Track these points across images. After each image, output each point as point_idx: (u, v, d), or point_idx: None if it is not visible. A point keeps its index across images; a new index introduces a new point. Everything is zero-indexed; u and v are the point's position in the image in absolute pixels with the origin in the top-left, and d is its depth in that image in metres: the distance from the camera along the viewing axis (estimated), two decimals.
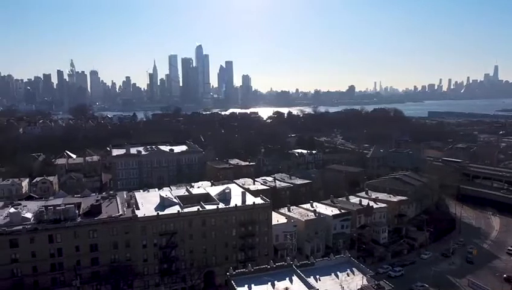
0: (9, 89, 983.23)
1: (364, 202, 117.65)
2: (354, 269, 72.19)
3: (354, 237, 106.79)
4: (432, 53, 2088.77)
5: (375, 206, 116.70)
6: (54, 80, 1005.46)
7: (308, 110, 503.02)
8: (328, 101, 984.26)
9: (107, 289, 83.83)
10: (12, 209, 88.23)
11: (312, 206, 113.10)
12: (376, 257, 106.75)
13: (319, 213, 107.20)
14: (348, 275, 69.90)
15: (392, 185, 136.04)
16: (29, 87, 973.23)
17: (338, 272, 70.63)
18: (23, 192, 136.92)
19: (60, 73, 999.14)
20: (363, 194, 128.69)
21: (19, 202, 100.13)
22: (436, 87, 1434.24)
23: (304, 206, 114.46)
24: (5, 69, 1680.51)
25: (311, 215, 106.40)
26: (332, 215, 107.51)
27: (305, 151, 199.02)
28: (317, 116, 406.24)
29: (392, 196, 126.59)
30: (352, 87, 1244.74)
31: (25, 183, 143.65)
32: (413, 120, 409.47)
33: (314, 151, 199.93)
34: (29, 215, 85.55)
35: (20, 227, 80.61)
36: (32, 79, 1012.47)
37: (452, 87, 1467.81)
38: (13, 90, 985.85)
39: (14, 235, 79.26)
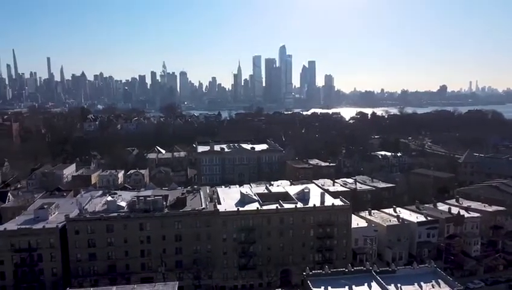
0: (110, 89, 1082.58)
1: (455, 210, 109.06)
2: (440, 281, 67.44)
3: (441, 247, 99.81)
4: None
5: (466, 215, 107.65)
6: (148, 80, 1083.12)
7: (393, 111, 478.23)
8: (416, 101, 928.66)
9: (189, 278, 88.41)
10: (109, 198, 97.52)
11: (395, 211, 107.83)
12: (466, 271, 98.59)
13: (403, 219, 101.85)
14: (433, 287, 65.59)
15: (487, 193, 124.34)
16: (126, 88, 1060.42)
17: (422, 283, 66.56)
18: (119, 183, 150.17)
19: (153, 74, 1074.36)
20: (453, 201, 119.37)
21: (115, 191, 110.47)
22: None
23: (386, 210, 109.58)
24: (107, 71, 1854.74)
25: (394, 221, 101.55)
26: (417, 222, 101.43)
27: (389, 154, 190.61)
28: (404, 117, 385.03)
29: (486, 205, 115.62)
30: (443, 87, 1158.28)
31: (120, 174, 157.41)
32: None
33: (399, 154, 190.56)
34: (123, 204, 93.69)
35: (116, 214, 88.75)
36: (130, 80, 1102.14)
37: None
38: (113, 90, 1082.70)
39: (110, 221, 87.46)
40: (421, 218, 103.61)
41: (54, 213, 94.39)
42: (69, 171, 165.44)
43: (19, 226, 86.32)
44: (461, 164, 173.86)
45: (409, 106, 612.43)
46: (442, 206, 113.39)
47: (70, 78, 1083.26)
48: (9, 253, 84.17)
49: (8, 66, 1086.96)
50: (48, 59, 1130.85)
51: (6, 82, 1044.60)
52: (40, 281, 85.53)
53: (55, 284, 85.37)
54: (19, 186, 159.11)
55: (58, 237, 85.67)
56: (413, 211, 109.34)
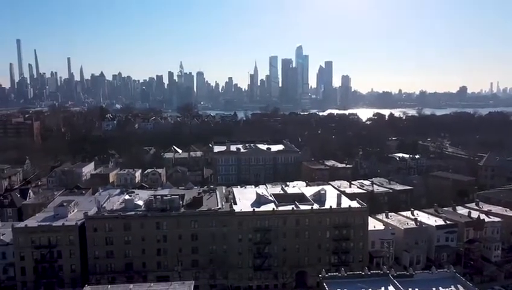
0: (128, 88, 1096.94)
1: (474, 214, 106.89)
2: (459, 286, 65.95)
3: (460, 252, 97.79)
4: None
5: (487, 219, 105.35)
6: (165, 80, 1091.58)
7: (411, 112, 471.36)
8: (434, 102, 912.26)
9: (205, 277, 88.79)
10: (127, 196, 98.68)
11: (413, 215, 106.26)
12: (486, 276, 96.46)
13: (421, 222, 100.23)
14: None
15: (508, 197, 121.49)
16: (144, 87, 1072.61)
17: (440, 288, 65.06)
18: (136, 181, 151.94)
19: (170, 74, 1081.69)
20: (472, 205, 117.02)
21: (132, 190, 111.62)
22: None
23: (404, 213, 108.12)
24: (126, 71, 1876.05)
25: (412, 224, 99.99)
26: (436, 225, 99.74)
27: (406, 156, 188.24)
28: (422, 118, 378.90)
29: (508, 209, 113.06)
30: (463, 89, 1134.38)
31: (137, 173, 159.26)
32: None
33: (417, 156, 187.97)
34: (140, 202, 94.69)
35: (133, 213, 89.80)
36: (147, 80, 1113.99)
37: None
38: (131, 90, 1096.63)
39: (127, 219, 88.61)
40: (440, 221, 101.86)
41: (73, 211, 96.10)
42: (88, 169, 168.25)
43: (39, 223, 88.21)
44: (481, 167, 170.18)
45: (428, 107, 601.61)
46: (461, 210, 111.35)
47: (89, 78, 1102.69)
48: (29, 249, 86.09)
49: (30, 65, 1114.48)
50: (68, 59, 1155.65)
51: (28, 81, 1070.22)
52: (59, 277, 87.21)
53: (74, 280, 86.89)
54: (39, 183, 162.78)
55: (77, 234, 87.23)
56: (431, 214, 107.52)
